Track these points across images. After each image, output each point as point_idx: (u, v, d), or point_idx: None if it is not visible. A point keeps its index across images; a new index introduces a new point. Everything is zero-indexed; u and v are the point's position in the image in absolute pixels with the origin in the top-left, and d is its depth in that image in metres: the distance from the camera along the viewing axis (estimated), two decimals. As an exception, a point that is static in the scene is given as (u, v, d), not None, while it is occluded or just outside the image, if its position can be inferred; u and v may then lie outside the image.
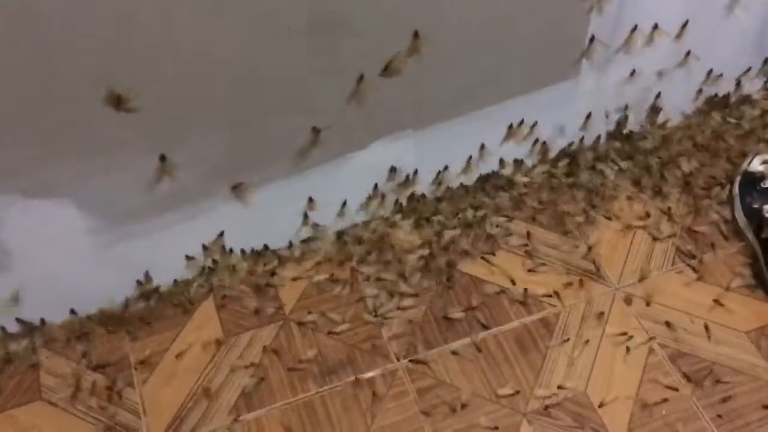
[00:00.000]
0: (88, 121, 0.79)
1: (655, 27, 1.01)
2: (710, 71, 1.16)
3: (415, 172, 1.06)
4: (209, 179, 0.93)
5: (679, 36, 1.05)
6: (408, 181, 1.07)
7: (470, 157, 1.09)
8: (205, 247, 1.02)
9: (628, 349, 0.98)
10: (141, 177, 0.88)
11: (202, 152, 0.89)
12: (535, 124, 1.09)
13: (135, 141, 0.83)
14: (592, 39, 0.98)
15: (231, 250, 1.04)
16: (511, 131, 1.08)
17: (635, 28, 1.01)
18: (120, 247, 0.94)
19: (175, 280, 1.04)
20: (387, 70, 0.90)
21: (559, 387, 0.94)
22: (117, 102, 0.78)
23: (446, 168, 1.08)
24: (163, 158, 0.85)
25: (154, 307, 1.03)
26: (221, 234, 1.01)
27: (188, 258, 1.02)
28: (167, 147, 0.86)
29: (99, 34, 0.72)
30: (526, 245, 1.09)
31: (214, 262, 1.04)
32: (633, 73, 1.08)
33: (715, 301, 1.02)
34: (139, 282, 1.01)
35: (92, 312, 1.01)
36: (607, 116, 1.14)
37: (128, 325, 1.01)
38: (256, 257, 1.07)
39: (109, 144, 0.82)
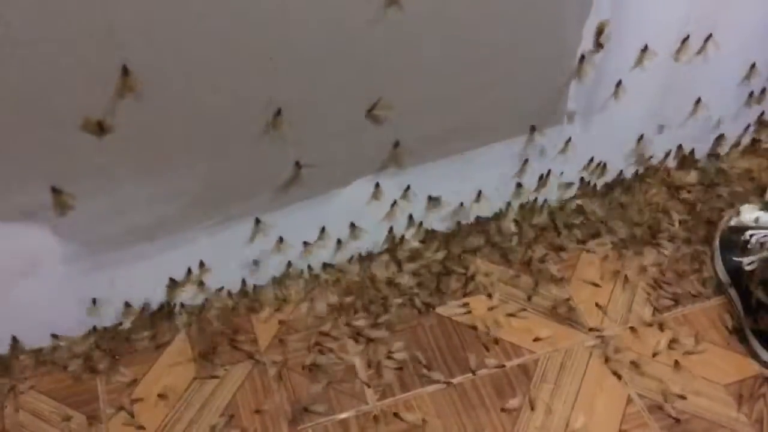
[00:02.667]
0: (66, 146, 0.79)
1: (645, 49, 1.02)
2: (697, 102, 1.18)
3: (398, 211, 1.07)
4: (189, 210, 0.93)
5: (678, 54, 1.05)
6: (389, 221, 1.07)
7: (453, 199, 1.09)
8: (182, 280, 1.01)
9: (606, 398, 0.96)
10: (120, 204, 0.87)
11: (183, 183, 0.89)
12: (519, 171, 1.10)
13: (115, 168, 0.83)
14: (582, 59, 0.98)
15: (208, 284, 1.03)
16: (492, 176, 1.09)
17: (619, 82, 1.03)
18: (97, 275, 0.93)
19: (151, 313, 1.02)
20: (372, 111, 0.91)
21: (535, 435, 0.93)
22: (98, 129, 0.78)
23: (429, 209, 1.09)
24: (125, 71, 0.75)
25: (128, 340, 1.01)
26: (199, 266, 1.00)
27: (164, 290, 1.01)
28: (147, 176, 0.86)
29: (80, 60, 0.72)
30: (506, 290, 1.08)
31: (190, 295, 1.03)
32: (617, 121, 1.10)
33: (695, 353, 1.01)
34: (112, 313, 1.00)
35: (63, 342, 0.99)
36: (592, 164, 1.15)
37: (100, 357, 0.99)
38: (234, 292, 1.06)
39: (87, 171, 0.82)
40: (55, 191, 0.82)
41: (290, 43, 0.80)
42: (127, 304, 1.00)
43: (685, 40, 1.02)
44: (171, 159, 0.86)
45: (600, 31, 0.95)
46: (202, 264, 1.00)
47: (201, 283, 1.03)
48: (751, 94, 1.16)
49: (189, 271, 1.00)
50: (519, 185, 1.12)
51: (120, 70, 0.74)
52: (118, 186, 0.85)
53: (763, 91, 1.17)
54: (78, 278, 0.92)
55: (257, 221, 0.98)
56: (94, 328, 1.00)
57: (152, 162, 0.85)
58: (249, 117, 0.86)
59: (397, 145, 0.96)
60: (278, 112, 0.85)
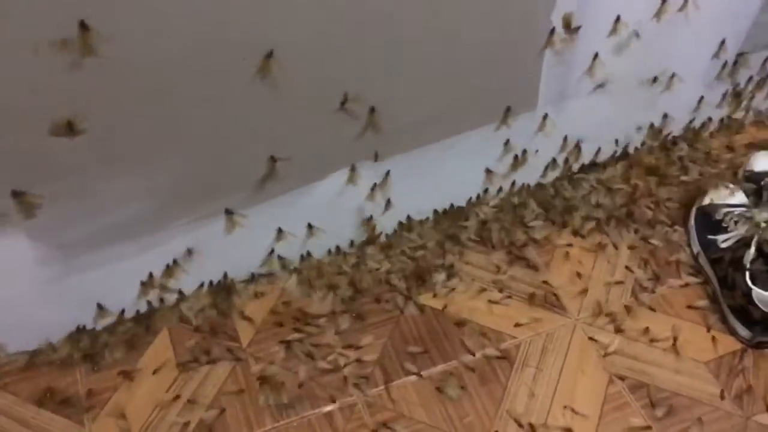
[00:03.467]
0: (37, 147, 0.77)
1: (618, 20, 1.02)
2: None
3: (375, 202, 1.07)
4: (165, 208, 0.92)
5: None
6: (367, 212, 1.07)
7: (430, 188, 1.09)
8: (160, 278, 1.00)
9: (588, 380, 0.97)
10: (94, 206, 0.86)
11: (157, 180, 0.88)
12: (496, 157, 1.10)
13: (87, 168, 0.82)
14: (552, 31, 0.97)
15: (187, 282, 1.03)
16: (468, 163, 1.09)
17: (596, 55, 1.04)
18: (72, 278, 0.92)
19: (130, 313, 1.01)
20: (344, 104, 0.91)
21: (519, 419, 0.93)
22: (68, 129, 0.77)
23: (405, 199, 1.09)
24: (84, 26, 0.70)
25: (108, 341, 1.00)
26: (177, 264, 1.00)
27: (143, 290, 1.00)
28: (120, 174, 0.85)
29: (47, 56, 0.71)
30: (486, 277, 1.09)
31: (170, 294, 1.02)
32: (592, 103, 1.10)
33: (674, 331, 1.02)
34: (91, 315, 0.99)
35: (43, 345, 0.98)
36: (567, 147, 1.16)
37: (81, 359, 0.99)
38: (213, 290, 1.05)
39: (59, 171, 0.81)
40: (17, 194, 0.80)
41: (267, 37, 0.80)
42: (107, 306, 0.99)
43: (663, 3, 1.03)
44: (143, 156, 0.85)
45: (567, 23, 0.96)
46: (178, 262, 0.99)
47: (180, 281, 1.02)
48: (724, 66, 1.17)
49: (167, 268, 0.99)
50: (496, 171, 1.13)
51: (78, 26, 0.70)
52: (90, 186, 0.84)
53: (735, 63, 1.18)
54: (55, 281, 0.92)
55: (232, 215, 0.97)
56: (76, 329, 1.00)
57: (124, 160, 0.84)
58: (222, 111, 0.85)
59: (372, 111, 0.95)
60: (269, 56, 0.82)
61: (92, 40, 0.71)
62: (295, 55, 0.83)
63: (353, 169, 1.01)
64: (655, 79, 1.12)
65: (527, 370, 0.99)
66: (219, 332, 1.02)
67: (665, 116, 1.21)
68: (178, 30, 0.75)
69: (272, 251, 1.05)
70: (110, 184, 0.85)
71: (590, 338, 1.02)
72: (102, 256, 0.92)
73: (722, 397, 0.95)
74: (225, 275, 1.05)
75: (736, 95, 1.25)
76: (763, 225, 1.00)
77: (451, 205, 1.14)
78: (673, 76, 1.14)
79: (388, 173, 1.03)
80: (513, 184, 1.16)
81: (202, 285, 1.04)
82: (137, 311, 1.02)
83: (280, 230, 1.03)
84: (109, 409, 0.95)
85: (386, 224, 1.11)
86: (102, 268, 0.93)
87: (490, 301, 1.06)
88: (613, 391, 0.96)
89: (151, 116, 0.81)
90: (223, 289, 1.06)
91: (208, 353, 1.00)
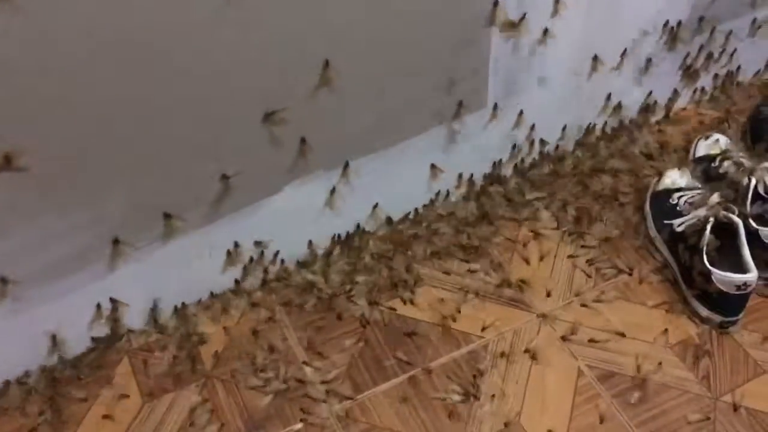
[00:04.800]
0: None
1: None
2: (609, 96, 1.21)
3: (330, 213, 1.05)
4: (116, 236, 0.89)
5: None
6: (322, 224, 1.06)
7: (384, 194, 1.08)
8: (116, 307, 0.97)
9: (557, 374, 0.97)
10: (40, 239, 0.83)
11: (104, 209, 0.85)
12: (445, 157, 1.10)
13: (28, 201, 0.79)
14: (496, 3, 0.95)
15: (144, 309, 1.00)
16: (419, 167, 1.09)
17: (546, 30, 1.04)
18: (21, 315, 0.89)
19: (87, 344, 0.98)
20: (270, 117, 0.89)
21: (492, 420, 0.93)
22: (5, 161, 0.74)
23: (361, 206, 1.08)
24: None
25: (65, 377, 0.97)
26: (133, 291, 0.97)
27: (99, 320, 0.97)
28: (64, 205, 0.82)
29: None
30: (449, 279, 1.08)
31: (127, 320, 1.00)
32: (539, 96, 1.11)
33: (638, 318, 1.03)
34: (47, 350, 0.95)
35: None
36: (517, 141, 1.16)
37: (39, 399, 0.95)
38: (173, 312, 1.03)
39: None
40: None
41: (203, 53, 0.78)
42: (63, 339, 0.96)
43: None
44: (87, 185, 0.82)
45: (511, 24, 0.96)
46: (134, 287, 0.97)
47: (137, 307, 0.99)
48: (668, 44, 1.18)
49: (123, 295, 0.97)
50: (450, 171, 1.12)
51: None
52: (31, 220, 0.81)
53: (674, 39, 1.18)
54: (5, 317, 0.88)
55: (170, 219, 0.94)
56: (34, 366, 0.96)
57: (69, 189, 0.81)
58: (164, 132, 0.83)
59: (321, 144, 0.94)
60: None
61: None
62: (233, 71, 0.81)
63: (306, 179, 0.99)
64: (595, 58, 1.13)
65: (497, 369, 0.98)
66: (181, 356, 1.00)
67: (616, 102, 1.22)
68: (112, 55, 0.73)
69: (231, 268, 1.03)
70: (55, 216, 0.82)
71: (556, 331, 1.02)
72: (53, 290, 0.89)
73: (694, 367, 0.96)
74: (183, 297, 1.03)
75: (687, 69, 1.26)
76: (715, 207, 1.01)
77: (409, 209, 1.13)
78: (623, 55, 1.14)
79: (346, 164, 1.01)
80: (470, 181, 1.16)
81: (161, 308, 1.02)
82: (95, 341, 0.99)
83: (236, 244, 1.01)
84: (72, 446, 0.92)
85: (346, 234, 1.10)
86: (55, 302, 0.90)
87: (455, 304, 1.05)
88: (583, 383, 0.97)
89: (91, 146, 0.79)
90: (182, 312, 1.03)
91: (172, 378, 0.98)
